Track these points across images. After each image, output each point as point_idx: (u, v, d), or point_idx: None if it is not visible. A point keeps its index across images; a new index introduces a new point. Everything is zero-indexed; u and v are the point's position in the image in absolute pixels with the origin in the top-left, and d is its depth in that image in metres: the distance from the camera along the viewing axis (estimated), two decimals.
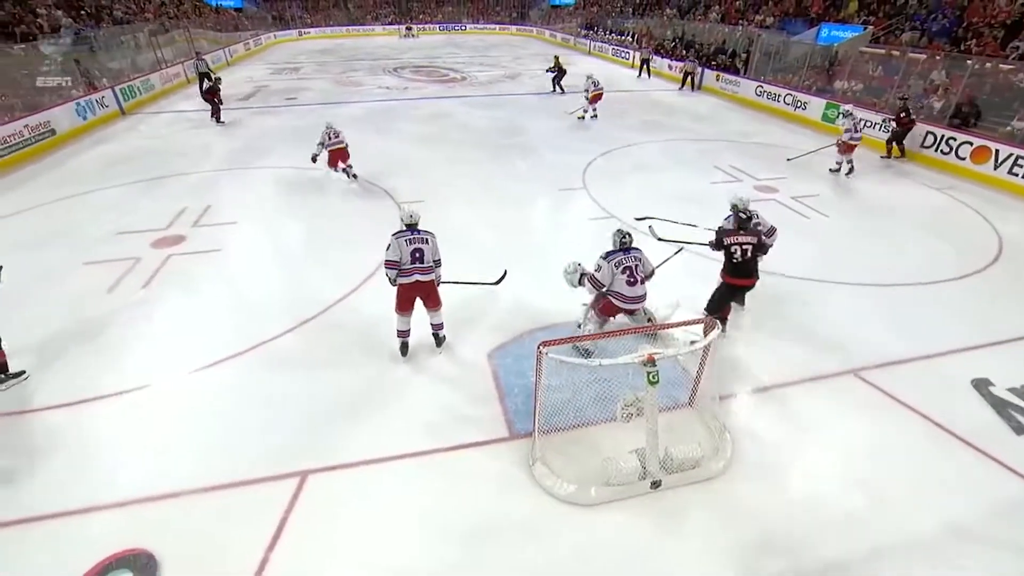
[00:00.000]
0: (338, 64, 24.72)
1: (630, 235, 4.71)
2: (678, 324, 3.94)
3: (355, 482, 3.84)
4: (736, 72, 17.49)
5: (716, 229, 5.33)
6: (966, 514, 3.65)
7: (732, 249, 4.98)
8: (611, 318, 4.83)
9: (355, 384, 4.79)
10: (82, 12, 19.89)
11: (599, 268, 4.59)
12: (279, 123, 13.98)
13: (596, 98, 13.98)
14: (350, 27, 39.15)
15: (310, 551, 3.37)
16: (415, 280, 4.79)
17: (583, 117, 14.17)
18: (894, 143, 11.25)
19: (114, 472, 3.94)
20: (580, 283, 4.78)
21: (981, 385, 4.80)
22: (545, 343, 3.63)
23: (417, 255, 4.77)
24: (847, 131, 9.87)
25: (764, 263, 6.73)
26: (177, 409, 4.54)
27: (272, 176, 10.09)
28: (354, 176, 9.55)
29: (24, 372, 4.80)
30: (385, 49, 30.26)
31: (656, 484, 3.74)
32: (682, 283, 6.21)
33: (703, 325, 4.02)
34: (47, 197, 9.01)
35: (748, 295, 5.47)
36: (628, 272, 4.54)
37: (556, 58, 18.30)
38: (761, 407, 4.59)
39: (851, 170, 10.20)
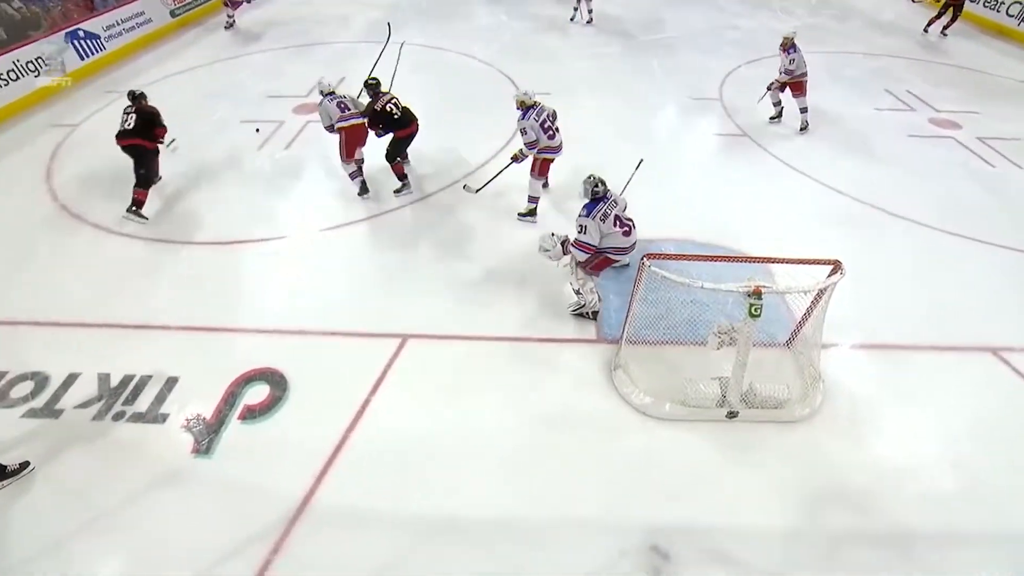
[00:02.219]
0: None
1: (603, 180, 4.07)
2: (796, 261, 3.59)
3: (448, 351, 4.21)
4: None
5: None
6: None
7: None
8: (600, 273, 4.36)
9: (462, 262, 5.06)
10: None
11: (583, 228, 3.97)
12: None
13: None
14: None
15: (401, 403, 3.83)
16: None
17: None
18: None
19: (258, 304, 4.67)
20: (565, 252, 4.14)
21: None
22: (650, 255, 3.52)
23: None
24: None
25: (912, 210, 5.81)
26: (308, 260, 5.15)
27: (404, 53, 10.05)
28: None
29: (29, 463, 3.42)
30: None
31: (733, 415, 3.69)
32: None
33: (829, 267, 3.63)
34: (216, 56, 9.81)
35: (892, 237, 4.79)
36: (618, 221, 4.05)
37: None
38: (867, 364, 4.23)
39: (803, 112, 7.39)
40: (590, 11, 11.48)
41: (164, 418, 3.70)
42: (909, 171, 6.70)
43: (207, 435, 3.58)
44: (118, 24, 9.77)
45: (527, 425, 3.70)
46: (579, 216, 4.05)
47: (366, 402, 3.81)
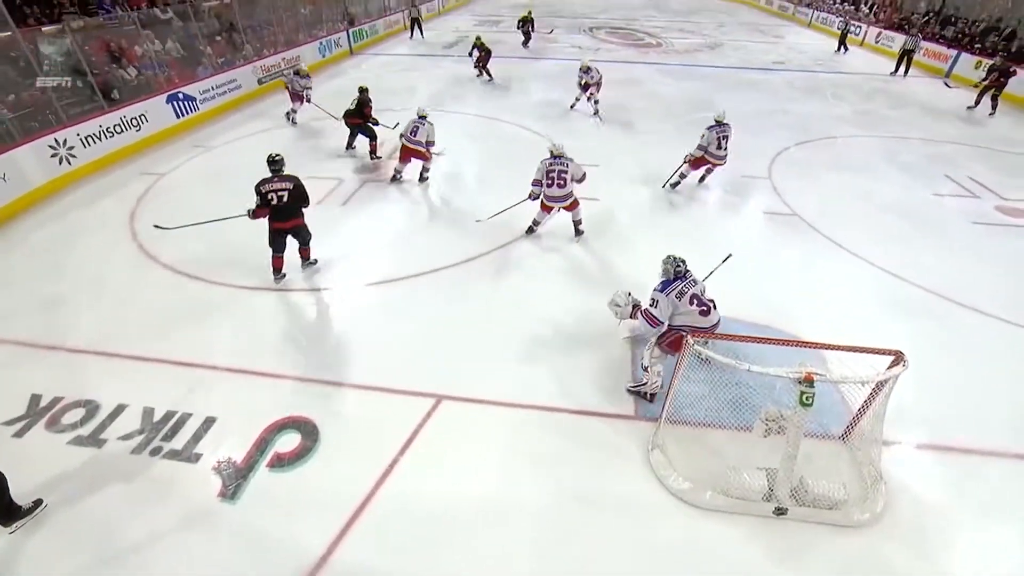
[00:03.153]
0: (537, 20, 24.88)
1: (684, 260, 3.97)
2: (853, 348, 3.38)
3: (482, 416, 4.12)
4: (1013, 58, 13.68)
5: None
6: None
7: None
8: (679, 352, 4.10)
9: (503, 326, 5.05)
10: None
11: (655, 303, 3.89)
12: (472, 72, 14.63)
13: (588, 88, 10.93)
14: None
15: (430, 465, 3.73)
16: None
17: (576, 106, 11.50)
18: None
19: (300, 351, 4.76)
20: (632, 316, 4.10)
21: None
22: (695, 333, 3.41)
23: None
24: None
25: (980, 300, 5.47)
26: (352, 313, 5.29)
27: (461, 120, 10.74)
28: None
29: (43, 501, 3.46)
30: (584, 7, 29.56)
31: (781, 511, 3.38)
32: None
33: (891, 358, 3.39)
34: (297, 118, 10.72)
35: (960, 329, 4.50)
36: (696, 300, 3.87)
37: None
38: (935, 468, 3.83)
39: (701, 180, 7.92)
40: (596, 102, 11.03)
41: (198, 458, 3.75)
42: (977, 260, 6.34)
43: (235, 480, 3.59)
44: (213, 89, 10.95)
45: (557, 501, 3.51)
46: (654, 289, 3.98)
47: (395, 461, 3.74)
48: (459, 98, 12.22)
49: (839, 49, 18.07)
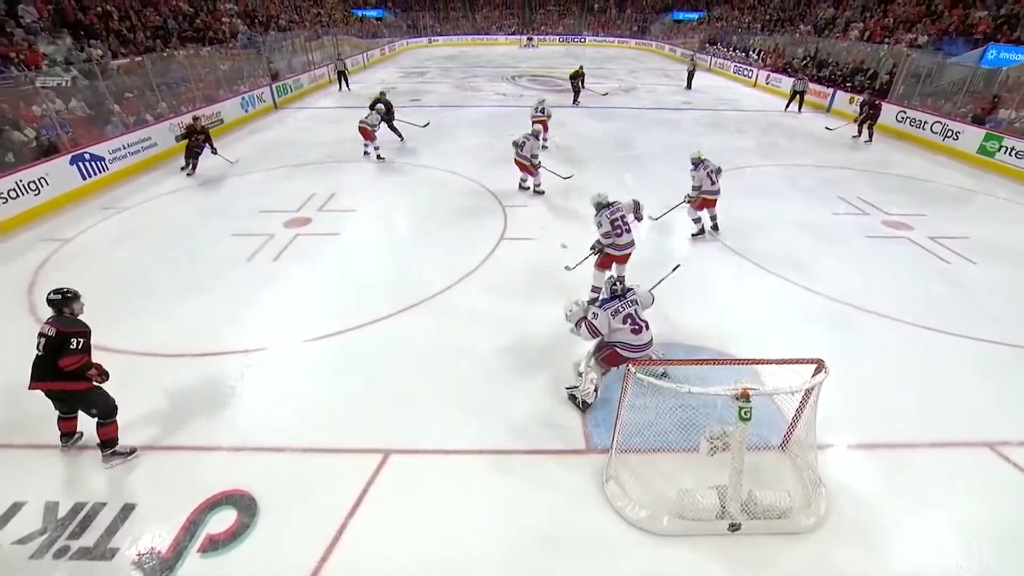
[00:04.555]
0: (460, 70, 25.86)
1: (621, 281, 4.34)
2: (781, 361, 3.60)
3: (433, 468, 3.96)
4: (875, 94, 15.74)
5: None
6: None
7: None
8: (614, 368, 4.35)
9: (446, 373, 4.95)
10: (255, 21, 22.61)
11: (595, 316, 4.15)
12: (402, 125, 14.82)
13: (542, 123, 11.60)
14: (475, 36, 40.84)
15: (383, 525, 3.52)
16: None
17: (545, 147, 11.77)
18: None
19: (231, 419, 4.42)
20: (578, 326, 4.26)
21: None
22: (635, 361, 3.50)
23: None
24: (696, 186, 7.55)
25: (882, 305, 6.03)
26: (288, 373, 4.99)
27: (393, 170, 10.79)
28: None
29: (135, 450, 3.98)
30: (505, 58, 31.13)
31: (735, 527, 3.45)
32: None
33: (813, 366, 3.63)
34: (215, 174, 10.35)
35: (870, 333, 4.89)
36: (630, 320, 4.14)
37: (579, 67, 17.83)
38: (866, 464, 4.08)
39: (713, 227, 7.88)
40: (546, 139, 11.67)
41: (113, 553, 3.32)
42: (874, 269, 7.03)
43: (160, 572, 3.20)
44: (124, 148, 10.38)
45: (518, 547, 3.39)
46: (596, 305, 4.26)
47: (343, 526, 3.50)
48: (388, 148, 12.30)
49: (788, 107, 17.22)
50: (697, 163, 7.52)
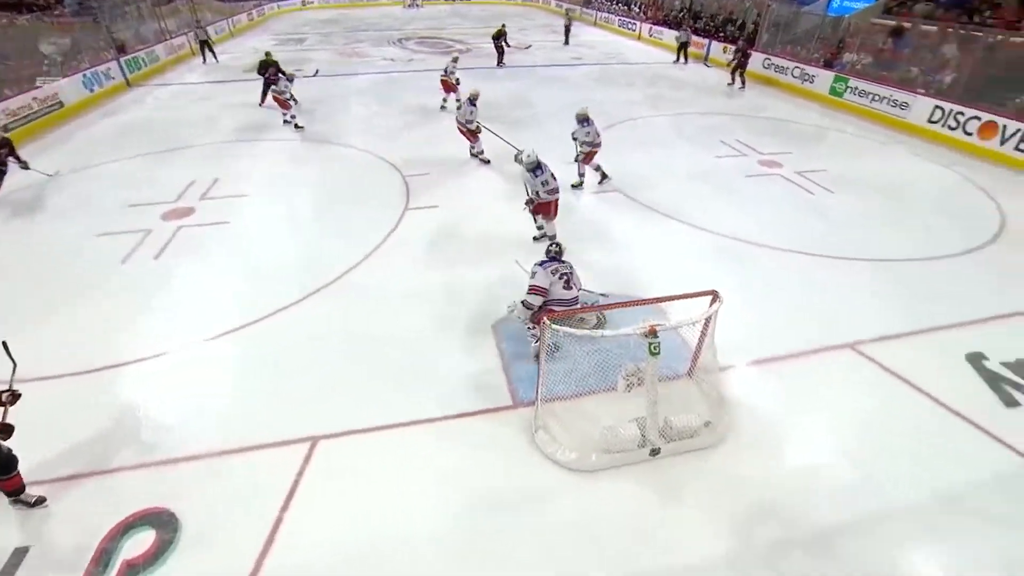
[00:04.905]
0: (342, 35, 24.13)
1: (561, 246, 4.68)
2: (681, 297, 3.94)
3: (364, 448, 3.92)
4: (747, 42, 16.94)
5: None
6: (956, 485, 3.70)
7: None
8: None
9: (365, 353, 4.84)
10: None
11: (534, 274, 4.40)
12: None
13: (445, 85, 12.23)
14: None
15: (321, 512, 3.47)
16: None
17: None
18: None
19: (136, 436, 4.03)
20: (529, 308, 4.38)
21: (976, 359, 4.81)
22: (548, 313, 3.64)
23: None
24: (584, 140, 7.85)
25: (764, 236, 6.75)
26: (193, 376, 4.62)
27: (280, 148, 10.01)
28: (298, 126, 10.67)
29: (44, 499, 3.56)
30: (389, 19, 29.46)
31: (655, 452, 3.80)
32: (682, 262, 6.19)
33: (708, 297, 4.00)
34: (58, 169, 8.95)
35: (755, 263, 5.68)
36: (564, 278, 4.43)
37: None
38: (759, 379, 4.62)
39: (604, 176, 8.35)
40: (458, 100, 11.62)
41: None
42: (754, 205, 7.79)
43: None
44: None
45: (464, 511, 3.49)
46: (535, 264, 4.50)
47: (278, 521, 3.39)
48: (271, 125, 11.35)
49: (677, 60, 18.06)
50: (583, 120, 7.73)
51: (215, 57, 17.83)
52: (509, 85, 14.73)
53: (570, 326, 3.70)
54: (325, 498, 3.55)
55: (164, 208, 7.57)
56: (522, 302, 4.40)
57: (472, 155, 9.29)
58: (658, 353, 3.56)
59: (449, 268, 6.10)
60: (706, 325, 4.13)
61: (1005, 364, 4.74)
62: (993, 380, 4.58)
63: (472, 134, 8.99)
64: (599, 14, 27.64)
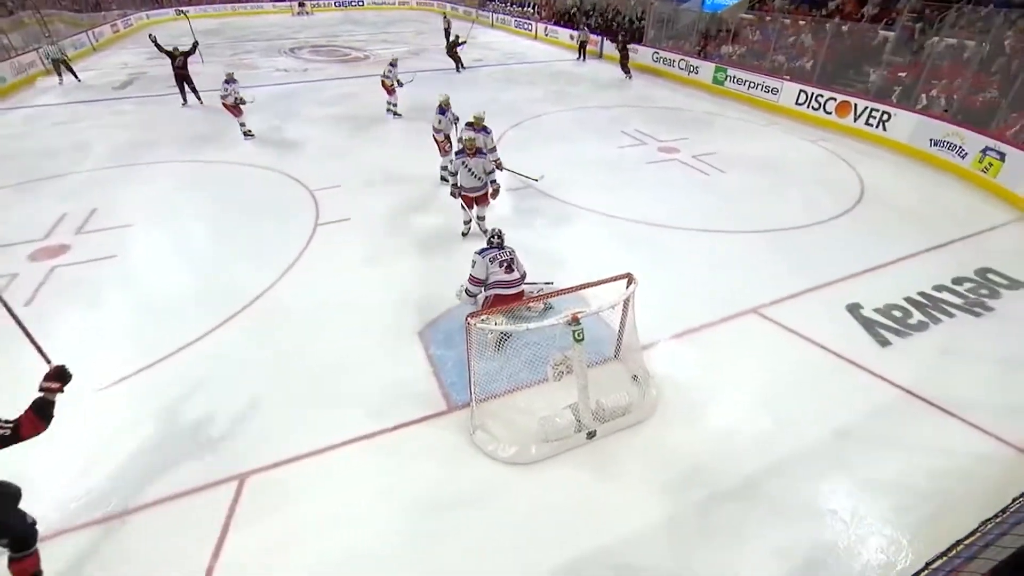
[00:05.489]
0: (227, 45, 22.59)
1: (501, 234, 4.79)
2: (600, 282, 4.11)
3: (297, 476, 3.73)
4: (634, 40, 17.98)
5: None
6: (848, 420, 4.19)
7: None
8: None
9: (287, 377, 4.60)
10: None
11: (474, 263, 4.59)
12: (168, 112, 12.65)
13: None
14: (235, 3, 35.68)
15: (259, 550, 3.26)
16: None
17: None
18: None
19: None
20: (470, 294, 4.68)
21: (853, 308, 5.46)
22: (472, 315, 3.66)
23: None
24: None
25: (670, 219, 7.22)
26: (87, 430, 4.13)
27: (167, 170, 9.19)
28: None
29: None
30: (278, 28, 27.97)
31: (591, 434, 3.95)
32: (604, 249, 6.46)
33: (625, 281, 4.21)
34: None
35: (665, 244, 6.25)
36: (504, 264, 4.58)
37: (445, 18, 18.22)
38: (679, 352, 4.94)
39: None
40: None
41: None
42: (657, 189, 8.30)
43: None
44: None
45: (407, 523, 3.43)
46: (475, 252, 4.61)
47: (209, 570, 3.15)
48: (155, 144, 10.41)
49: (579, 58, 18.81)
50: (446, 108, 8.04)
51: (75, 76, 15.87)
52: (406, 90, 14.51)
53: (519, 314, 3.80)
54: (259, 537, 3.34)
55: (31, 247, 6.69)
56: (465, 290, 4.64)
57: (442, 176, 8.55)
58: (582, 339, 3.70)
59: (366, 280, 5.94)
60: (625, 307, 4.35)
61: (876, 310, 5.43)
62: (869, 325, 5.23)
63: (441, 144, 8.44)
64: (495, 16, 28.04)
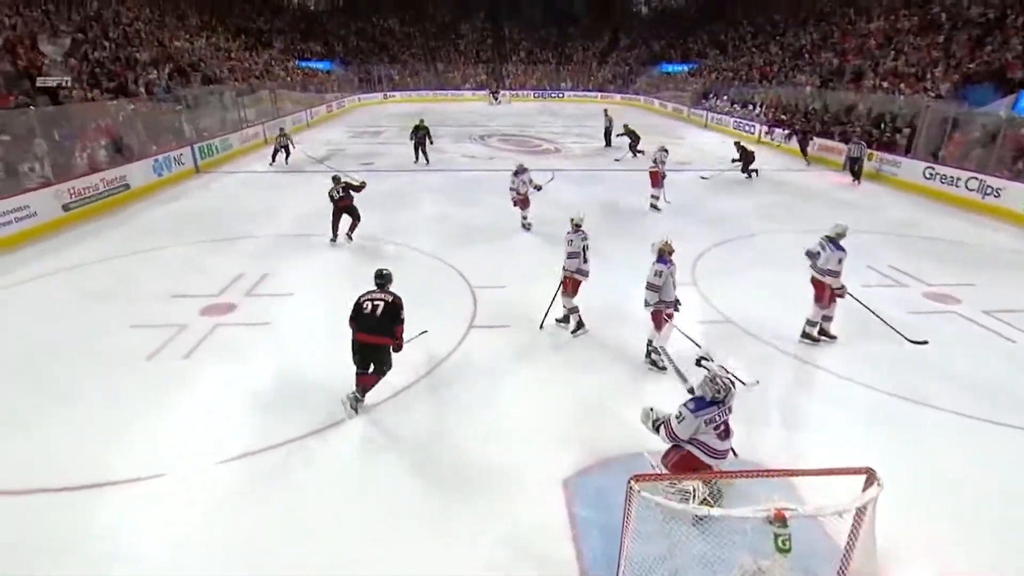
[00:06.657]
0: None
1: (730, 384, 4.22)
2: (823, 472, 3.53)
3: None
4: (895, 150, 16.99)
5: None
6: None
7: None
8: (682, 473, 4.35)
9: (406, 504, 4.74)
10: (179, 70, 23.67)
11: (681, 418, 4.17)
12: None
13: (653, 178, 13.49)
14: (438, 91, 43.52)
15: None
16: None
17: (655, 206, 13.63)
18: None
19: (121, 571, 4.04)
20: (656, 430, 4.42)
21: None
22: (638, 477, 3.39)
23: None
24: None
25: (940, 397, 6.10)
26: (193, 505, 4.67)
27: (338, 247, 10.93)
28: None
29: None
30: (473, 115, 33.06)
31: None
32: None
33: (863, 476, 3.57)
34: (115, 251, 10.35)
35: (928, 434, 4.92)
36: (722, 428, 4.21)
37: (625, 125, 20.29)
38: None
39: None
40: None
41: None
42: (921, 351, 7.16)
43: None
44: None
45: None
46: (684, 405, 4.20)
47: None
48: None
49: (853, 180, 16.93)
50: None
51: (286, 161, 18.55)
52: (593, 189, 15.53)
53: (674, 494, 3.44)
54: None
55: (205, 302, 8.32)
56: (656, 429, 4.42)
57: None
58: (789, 549, 3.14)
59: (518, 399, 6.05)
60: (860, 515, 3.64)
61: None
62: None
63: (522, 202, 11.66)
64: (710, 115, 29.36)
